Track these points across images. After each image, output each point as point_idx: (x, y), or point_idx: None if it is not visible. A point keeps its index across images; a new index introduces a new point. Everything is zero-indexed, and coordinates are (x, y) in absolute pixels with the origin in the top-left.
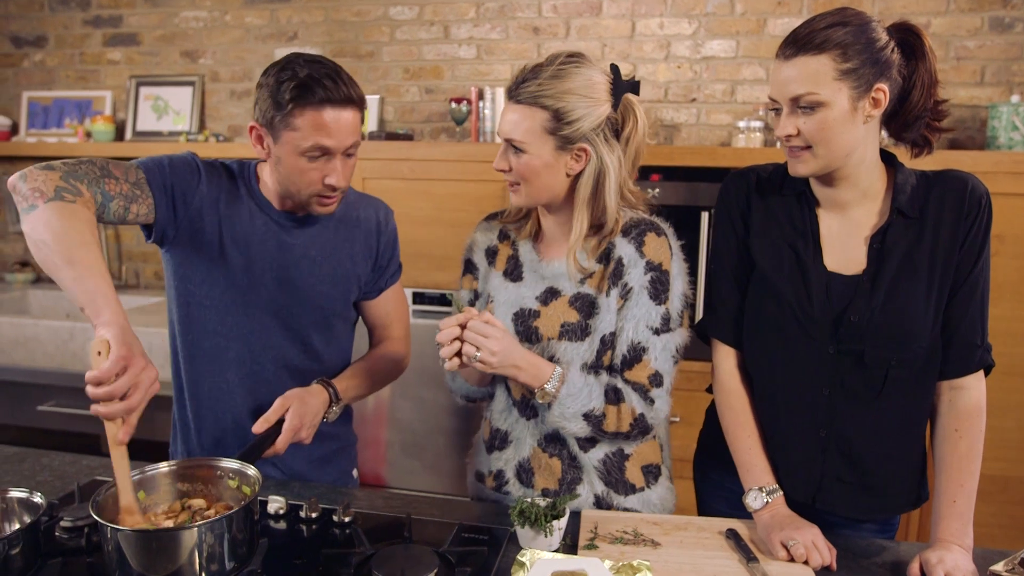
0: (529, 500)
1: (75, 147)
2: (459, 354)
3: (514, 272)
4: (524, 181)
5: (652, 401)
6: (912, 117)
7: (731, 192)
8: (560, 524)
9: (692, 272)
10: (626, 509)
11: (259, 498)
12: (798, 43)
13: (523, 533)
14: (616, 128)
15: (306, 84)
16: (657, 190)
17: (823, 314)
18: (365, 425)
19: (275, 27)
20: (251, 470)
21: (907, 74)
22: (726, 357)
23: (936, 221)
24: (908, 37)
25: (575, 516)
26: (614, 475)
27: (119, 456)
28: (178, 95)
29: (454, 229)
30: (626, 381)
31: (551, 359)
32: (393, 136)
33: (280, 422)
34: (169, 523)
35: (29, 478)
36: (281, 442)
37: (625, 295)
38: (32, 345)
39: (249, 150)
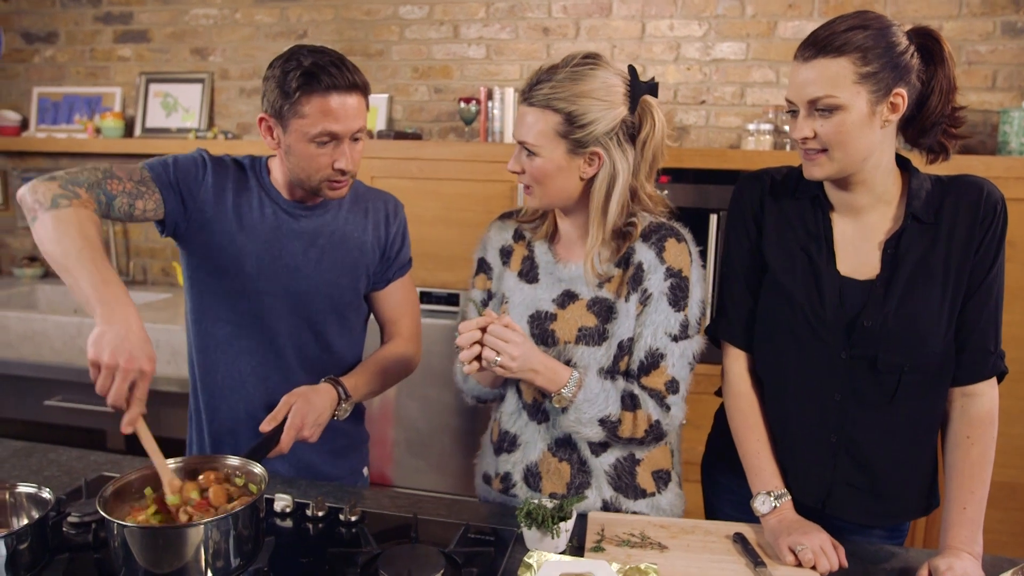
0: (536, 501)
1: (84, 143)
2: (478, 358)
3: (529, 273)
4: (537, 184)
5: (668, 408)
6: (929, 123)
7: (744, 194)
8: (567, 526)
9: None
10: (635, 513)
11: (266, 496)
12: (818, 45)
13: (530, 535)
14: (633, 131)
15: (312, 72)
16: (666, 192)
17: (836, 319)
18: (371, 424)
19: (285, 25)
20: (257, 468)
21: (926, 79)
22: (736, 360)
23: (951, 226)
24: (927, 42)
25: (582, 518)
26: (624, 480)
27: (145, 438)
28: (188, 92)
29: (462, 229)
30: (643, 387)
31: (567, 363)
32: (402, 135)
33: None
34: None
35: (36, 473)
36: (284, 440)
37: (644, 301)
38: (40, 340)
39: (258, 147)
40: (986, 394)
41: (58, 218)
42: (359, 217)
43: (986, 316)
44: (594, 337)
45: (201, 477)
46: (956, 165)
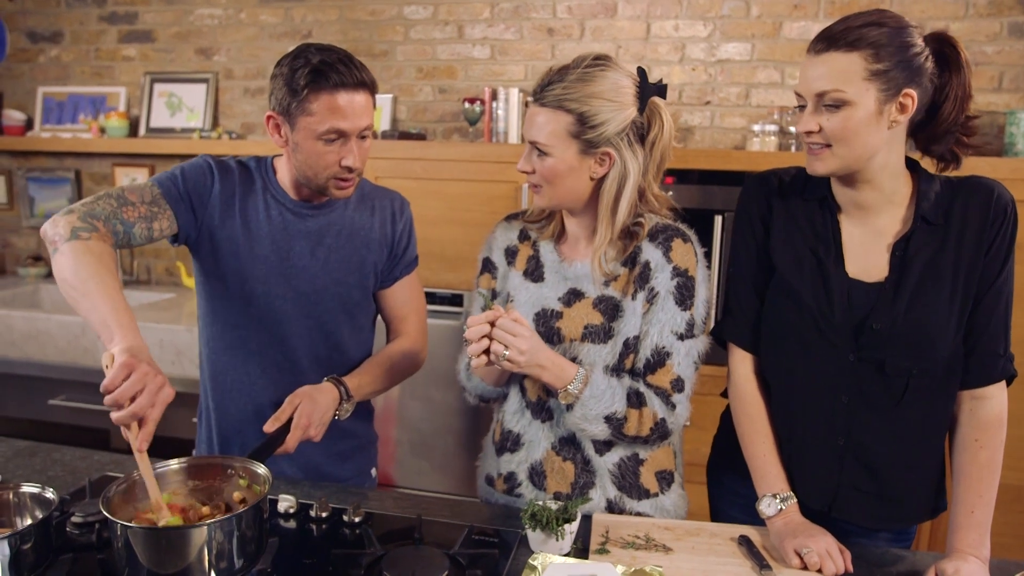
0: (541, 503)
1: (89, 143)
2: (486, 351)
3: (535, 272)
4: (547, 184)
5: (673, 406)
6: (942, 130)
7: (752, 195)
8: (572, 528)
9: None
10: (639, 514)
11: (270, 497)
12: (831, 39)
13: (534, 536)
14: (641, 132)
15: (319, 70)
16: (671, 193)
17: (844, 321)
18: (375, 424)
19: (289, 25)
20: (261, 469)
21: (940, 85)
22: (743, 362)
23: (960, 228)
24: (944, 48)
25: (587, 520)
26: (628, 479)
27: (142, 461)
28: (192, 92)
29: (466, 229)
30: (648, 385)
31: (573, 360)
32: (406, 135)
33: (292, 421)
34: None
35: (40, 472)
36: (290, 441)
37: (651, 299)
38: (44, 339)
39: (262, 148)
40: (995, 397)
41: (76, 249)
42: (366, 215)
43: (996, 319)
44: (600, 335)
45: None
46: (962, 166)
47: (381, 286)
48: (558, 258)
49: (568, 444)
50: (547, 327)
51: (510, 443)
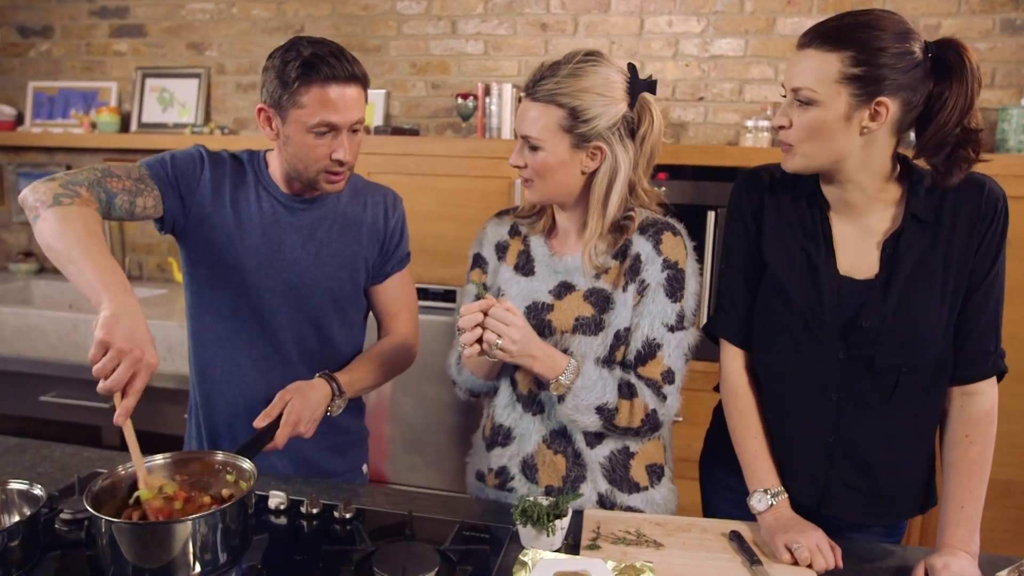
0: (532, 499)
1: (80, 138)
2: (479, 341)
3: (525, 266)
4: (539, 178)
5: (664, 398)
6: (935, 141)
7: (744, 191)
8: (562, 524)
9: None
10: (629, 508)
11: (260, 493)
12: (816, 35)
13: (525, 532)
14: (632, 127)
15: (311, 62)
16: (663, 189)
17: (834, 319)
18: (367, 420)
19: (281, 20)
20: (247, 464)
21: (937, 93)
22: (734, 358)
23: (951, 225)
24: (947, 55)
25: (577, 516)
26: (619, 473)
27: (127, 432)
28: (184, 87)
29: (459, 225)
30: (639, 377)
31: (564, 352)
32: (399, 131)
33: (281, 416)
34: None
35: (30, 469)
36: (280, 436)
37: (642, 291)
38: (35, 335)
39: (255, 142)
40: (986, 393)
41: (60, 214)
42: (358, 210)
43: (986, 315)
44: (591, 327)
45: (178, 482)
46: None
47: (373, 282)
48: (549, 252)
49: (559, 437)
50: (538, 320)
51: (501, 437)
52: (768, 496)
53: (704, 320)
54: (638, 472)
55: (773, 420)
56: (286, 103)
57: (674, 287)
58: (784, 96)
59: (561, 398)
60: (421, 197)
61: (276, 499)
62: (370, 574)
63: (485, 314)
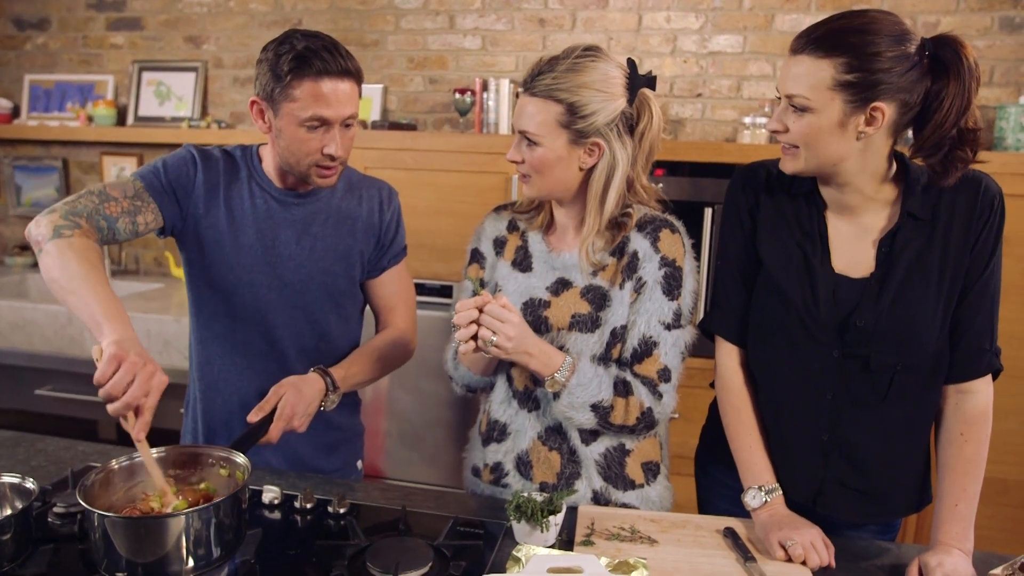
0: (526, 495)
1: (76, 131)
2: (475, 337)
3: (523, 262)
4: (536, 173)
5: (660, 396)
6: (931, 141)
7: (740, 188)
8: (557, 520)
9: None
10: (625, 505)
11: (254, 487)
12: (809, 40)
13: (519, 528)
14: (631, 123)
15: (304, 56)
16: (661, 185)
17: (829, 318)
18: (364, 415)
19: (279, 14)
20: (240, 458)
21: (934, 91)
22: (730, 355)
23: (948, 222)
24: (944, 53)
25: (572, 512)
26: (614, 470)
27: (142, 449)
28: (181, 81)
29: (456, 220)
30: (635, 374)
31: (560, 349)
32: (396, 126)
33: (276, 411)
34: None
35: (23, 463)
36: (274, 431)
37: (639, 289)
38: (30, 329)
39: (251, 137)
40: (981, 391)
41: (61, 246)
42: (353, 204)
43: (982, 313)
44: (587, 324)
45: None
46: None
47: (369, 276)
48: (546, 248)
49: (554, 434)
50: (535, 316)
51: (496, 433)
52: (763, 493)
53: (700, 317)
54: (634, 469)
55: (768, 418)
56: (279, 96)
57: (671, 285)
58: (780, 99)
59: (556, 395)
60: (419, 192)
61: (270, 494)
62: (364, 569)
63: (481, 310)
